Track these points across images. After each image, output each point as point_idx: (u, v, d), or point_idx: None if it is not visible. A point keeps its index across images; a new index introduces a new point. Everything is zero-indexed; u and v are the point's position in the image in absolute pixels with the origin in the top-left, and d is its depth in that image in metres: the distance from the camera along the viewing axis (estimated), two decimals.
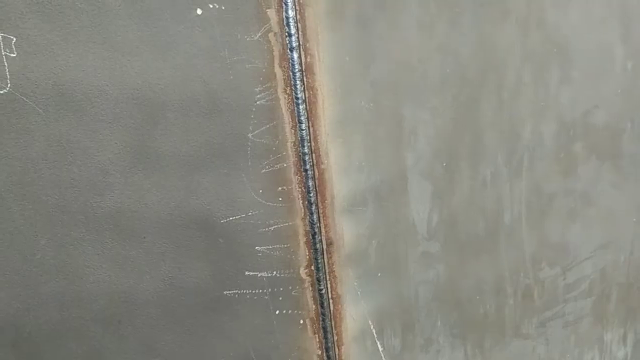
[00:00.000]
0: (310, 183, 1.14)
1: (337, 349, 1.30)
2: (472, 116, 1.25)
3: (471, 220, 1.34)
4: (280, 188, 1.14)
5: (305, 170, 1.13)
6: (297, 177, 1.14)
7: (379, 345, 1.36)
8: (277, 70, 1.06)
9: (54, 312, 1.09)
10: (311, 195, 1.15)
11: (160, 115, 1.03)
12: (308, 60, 1.08)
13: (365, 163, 1.20)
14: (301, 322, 1.26)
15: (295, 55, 1.05)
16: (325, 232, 1.20)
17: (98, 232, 1.06)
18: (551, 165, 1.36)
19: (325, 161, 1.16)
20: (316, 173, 1.15)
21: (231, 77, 1.04)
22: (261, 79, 1.06)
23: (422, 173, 1.25)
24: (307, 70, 1.09)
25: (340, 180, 1.19)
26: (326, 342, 1.27)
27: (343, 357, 1.31)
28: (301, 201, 1.16)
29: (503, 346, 1.50)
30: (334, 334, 1.28)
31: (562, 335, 1.54)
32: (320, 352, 1.29)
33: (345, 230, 1.23)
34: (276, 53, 1.05)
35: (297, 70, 1.06)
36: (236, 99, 1.06)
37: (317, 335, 1.27)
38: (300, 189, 1.15)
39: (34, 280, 1.07)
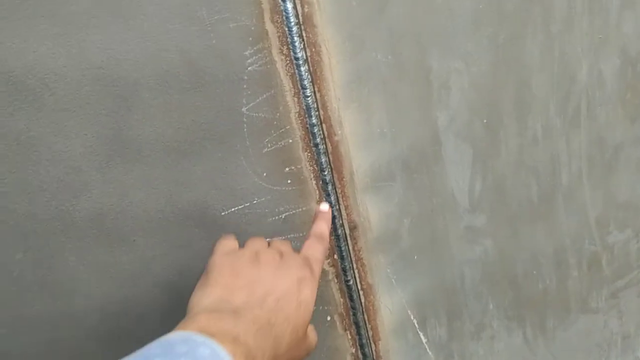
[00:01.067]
0: (323, 159, 0.96)
1: (373, 345, 1.13)
2: (515, 59, 1.04)
3: (522, 185, 1.14)
4: (287, 168, 0.96)
5: (316, 145, 0.95)
6: (306, 153, 0.96)
7: (422, 337, 1.19)
8: (269, 26, 0.87)
9: (43, 333, 0.97)
10: (325, 173, 0.97)
11: (134, 96, 0.86)
12: (306, 10, 0.89)
13: (388, 129, 1.01)
14: (328, 318, 1.10)
15: (289, 5, 0.86)
16: (347, 214, 1.02)
17: (79, 239, 0.92)
18: (615, 110, 1.14)
19: (339, 131, 0.97)
20: (329, 146, 0.97)
21: (214, 42, 0.86)
22: (250, 39, 0.87)
23: (458, 134, 1.05)
24: (306, 22, 0.89)
25: (360, 152, 1.00)
26: (360, 339, 1.11)
27: (381, 353, 1.15)
28: (314, 181, 0.98)
29: (568, 324, 1.32)
30: (368, 329, 1.12)
31: (637, 305, 1.35)
32: (354, 350, 1.13)
33: (370, 211, 1.05)
34: (265, 5, 0.86)
35: (293, 23, 0.87)
36: (223, 68, 0.88)
37: (348, 332, 1.12)
38: (311, 167, 0.97)
39: (16, 301, 0.94)
